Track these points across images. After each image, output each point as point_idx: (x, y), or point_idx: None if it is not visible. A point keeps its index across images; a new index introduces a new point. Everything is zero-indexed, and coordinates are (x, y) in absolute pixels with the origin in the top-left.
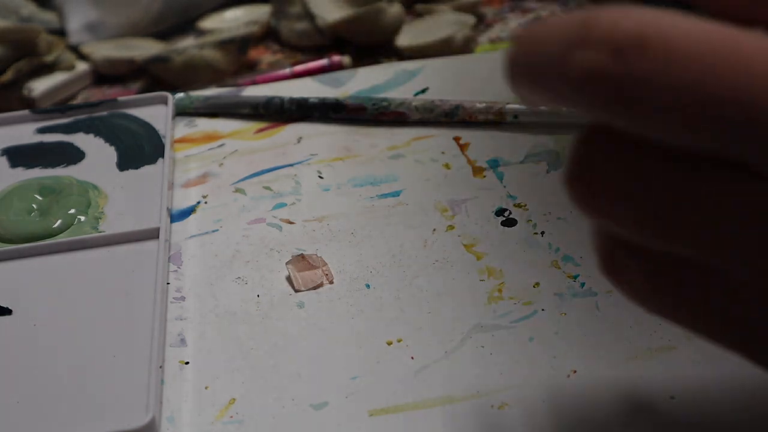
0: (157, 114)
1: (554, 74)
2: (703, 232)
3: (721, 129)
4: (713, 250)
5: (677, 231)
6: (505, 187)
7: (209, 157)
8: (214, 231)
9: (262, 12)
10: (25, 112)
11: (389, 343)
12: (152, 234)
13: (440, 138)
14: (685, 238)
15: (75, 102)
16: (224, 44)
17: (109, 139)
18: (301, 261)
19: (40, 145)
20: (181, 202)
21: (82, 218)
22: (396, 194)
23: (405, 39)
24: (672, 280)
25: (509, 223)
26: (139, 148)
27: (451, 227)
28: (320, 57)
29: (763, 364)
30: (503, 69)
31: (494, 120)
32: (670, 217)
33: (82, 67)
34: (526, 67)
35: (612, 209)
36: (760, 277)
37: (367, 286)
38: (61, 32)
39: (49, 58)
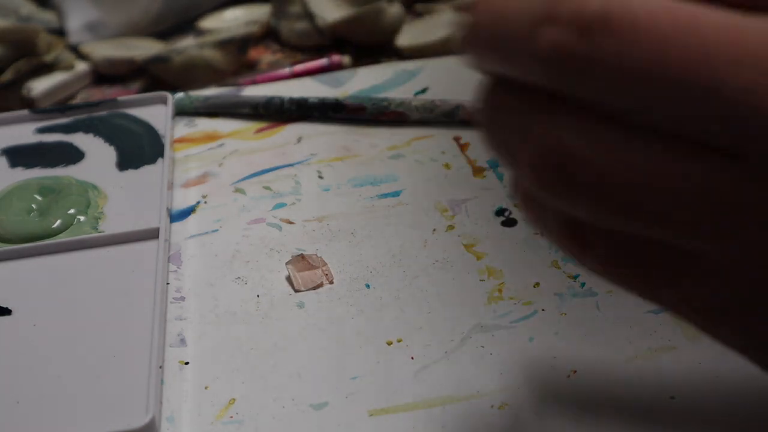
0: (156, 114)
1: (519, 49)
2: (664, 211)
3: (677, 104)
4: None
5: (631, 210)
6: (505, 187)
7: (209, 157)
8: (214, 231)
9: (262, 12)
10: (25, 111)
11: (389, 343)
12: (152, 234)
13: (440, 138)
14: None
15: (74, 102)
16: (224, 44)
17: (109, 139)
18: (301, 261)
19: (40, 145)
20: (180, 202)
21: (82, 218)
22: (396, 194)
23: (405, 39)
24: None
25: (509, 223)
26: (138, 148)
27: (451, 227)
28: (320, 57)
29: (714, 335)
30: (460, 36)
31: None
32: (623, 194)
33: (81, 66)
34: (489, 39)
35: (580, 188)
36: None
37: (367, 286)
38: (60, 32)
39: (49, 58)
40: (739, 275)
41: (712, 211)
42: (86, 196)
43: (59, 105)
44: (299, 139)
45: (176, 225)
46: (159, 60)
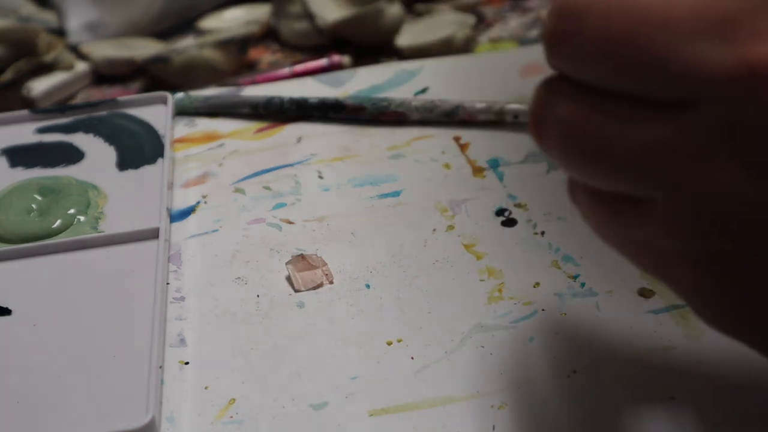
0: (156, 114)
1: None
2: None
3: (614, 65)
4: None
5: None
6: (505, 187)
7: (209, 157)
8: (214, 231)
9: (262, 12)
10: (25, 112)
11: (389, 343)
12: (152, 234)
13: (440, 138)
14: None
15: (74, 102)
16: (224, 44)
17: (109, 139)
18: (301, 261)
19: (40, 145)
20: (180, 202)
21: (82, 218)
22: (396, 194)
23: (405, 39)
24: (608, 210)
25: (509, 223)
26: (138, 148)
27: (451, 227)
28: (320, 57)
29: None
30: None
31: (494, 120)
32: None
33: (81, 66)
34: None
35: (552, 143)
36: (666, 202)
37: (367, 286)
38: (60, 32)
39: (49, 58)
40: (673, 214)
41: (649, 157)
42: (86, 196)
43: (59, 105)
44: (299, 139)
45: (176, 225)
46: (159, 60)
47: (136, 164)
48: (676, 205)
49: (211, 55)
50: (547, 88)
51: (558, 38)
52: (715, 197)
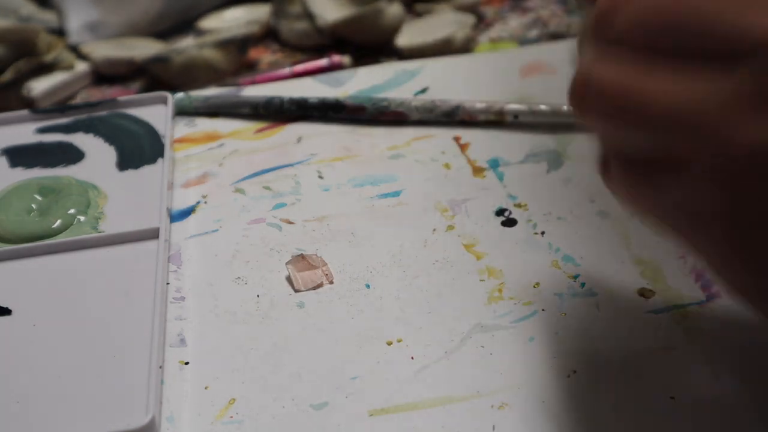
0: (156, 114)
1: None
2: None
3: (667, 25)
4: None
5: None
6: (505, 187)
7: (209, 157)
8: (214, 231)
9: (262, 12)
10: (25, 112)
11: (389, 343)
12: (152, 234)
13: (440, 138)
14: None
15: (74, 102)
16: (224, 44)
17: (109, 139)
18: (301, 261)
19: (40, 145)
20: (180, 202)
21: (82, 218)
22: (396, 194)
23: (405, 39)
24: (642, 177)
25: (509, 223)
26: (138, 148)
27: (451, 227)
28: (320, 57)
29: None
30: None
31: (494, 120)
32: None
33: (81, 66)
34: None
35: (594, 106)
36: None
37: (367, 286)
38: (60, 32)
39: (49, 58)
40: (715, 171)
41: (694, 112)
42: (86, 196)
43: (59, 105)
44: (299, 139)
45: (176, 225)
46: (159, 60)
47: (136, 164)
48: (720, 161)
49: (211, 55)
50: (590, 57)
51: (608, 8)
52: (760, 154)
